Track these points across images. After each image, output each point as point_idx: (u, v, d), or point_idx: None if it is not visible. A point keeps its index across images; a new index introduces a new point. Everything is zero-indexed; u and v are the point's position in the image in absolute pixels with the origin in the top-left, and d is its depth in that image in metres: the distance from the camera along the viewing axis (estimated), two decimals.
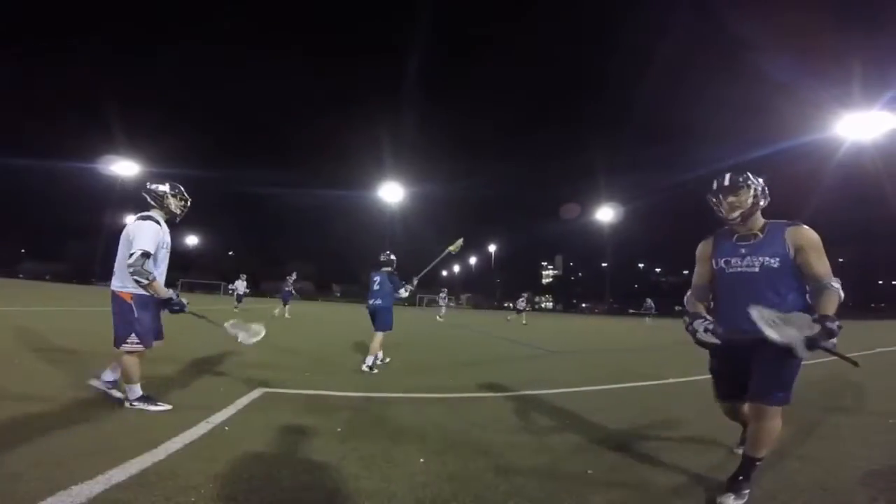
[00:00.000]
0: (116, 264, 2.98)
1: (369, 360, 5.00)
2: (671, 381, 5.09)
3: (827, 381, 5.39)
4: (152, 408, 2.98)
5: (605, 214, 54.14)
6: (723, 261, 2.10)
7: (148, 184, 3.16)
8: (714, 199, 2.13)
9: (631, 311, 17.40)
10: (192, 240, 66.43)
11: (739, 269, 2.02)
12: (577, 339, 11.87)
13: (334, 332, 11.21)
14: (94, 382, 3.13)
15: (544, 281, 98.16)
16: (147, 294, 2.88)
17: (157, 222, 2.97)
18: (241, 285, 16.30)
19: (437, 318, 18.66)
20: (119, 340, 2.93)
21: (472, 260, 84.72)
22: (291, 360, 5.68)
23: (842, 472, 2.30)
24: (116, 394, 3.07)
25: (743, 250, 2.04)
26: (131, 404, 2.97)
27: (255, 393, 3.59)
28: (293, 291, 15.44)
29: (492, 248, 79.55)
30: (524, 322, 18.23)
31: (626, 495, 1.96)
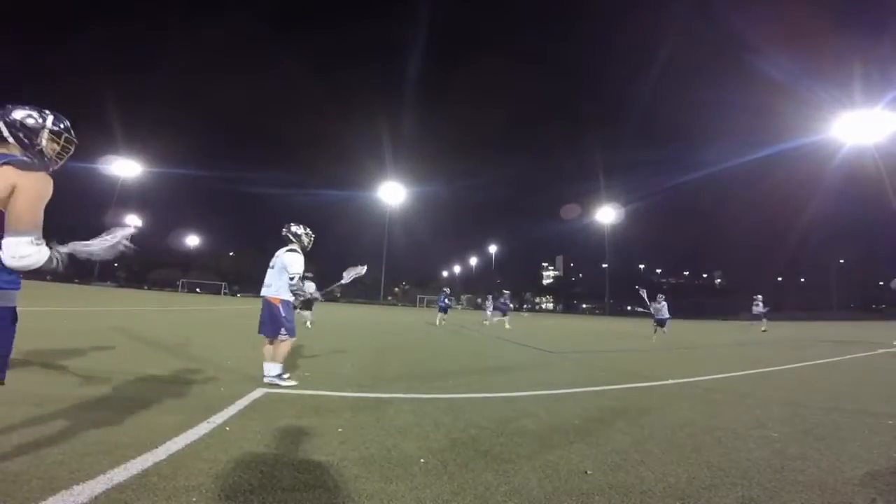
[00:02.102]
0: (269, 278, 4.13)
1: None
2: (671, 381, 5.09)
3: (826, 382, 5.40)
4: (284, 384, 3.96)
5: (606, 215, 54.18)
6: None
7: (288, 226, 4.28)
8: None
9: (639, 309, 15.15)
10: (192, 240, 66.50)
11: None
12: (577, 341, 11.87)
13: (334, 332, 11.21)
14: (266, 380, 3.98)
15: (545, 282, 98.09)
16: (289, 300, 4.10)
17: (299, 252, 4.19)
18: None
19: (484, 322, 18.11)
20: (273, 333, 4.03)
21: (473, 261, 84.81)
22: (291, 361, 5.68)
23: (842, 472, 2.30)
24: (284, 383, 3.98)
25: None
26: (269, 379, 3.95)
27: (256, 393, 3.59)
28: (508, 303, 17.33)
29: (492, 248, 79.59)
30: (486, 323, 18.16)
31: (625, 495, 1.96)
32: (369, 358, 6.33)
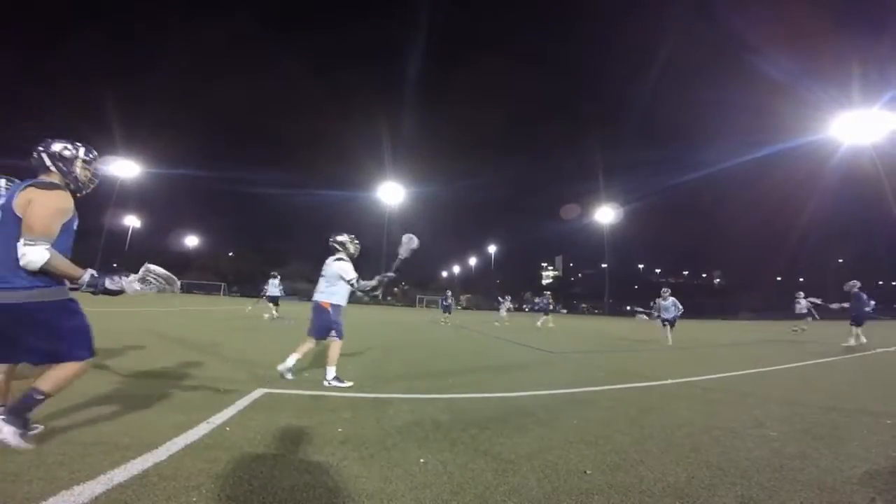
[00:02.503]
0: (320, 285, 4.42)
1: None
2: (670, 381, 5.10)
3: (825, 382, 5.41)
4: (341, 384, 4.10)
5: (605, 215, 54.22)
6: None
7: (334, 236, 4.54)
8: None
9: (639, 309, 13.78)
10: (191, 240, 66.42)
11: None
12: (576, 340, 11.87)
13: None
14: (325, 384, 4.11)
15: (544, 282, 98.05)
16: (339, 304, 4.37)
17: (347, 259, 4.46)
18: (274, 285, 14.77)
19: (495, 323, 18.13)
20: (324, 335, 4.32)
21: (472, 261, 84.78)
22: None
23: (840, 471, 2.31)
24: (343, 384, 4.12)
25: None
26: (329, 383, 4.11)
27: (256, 393, 3.60)
28: (549, 303, 18.08)
29: (492, 248, 79.61)
30: (507, 323, 18.27)
31: (625, 495, 1.97)
32: (369, 358, 6.33)
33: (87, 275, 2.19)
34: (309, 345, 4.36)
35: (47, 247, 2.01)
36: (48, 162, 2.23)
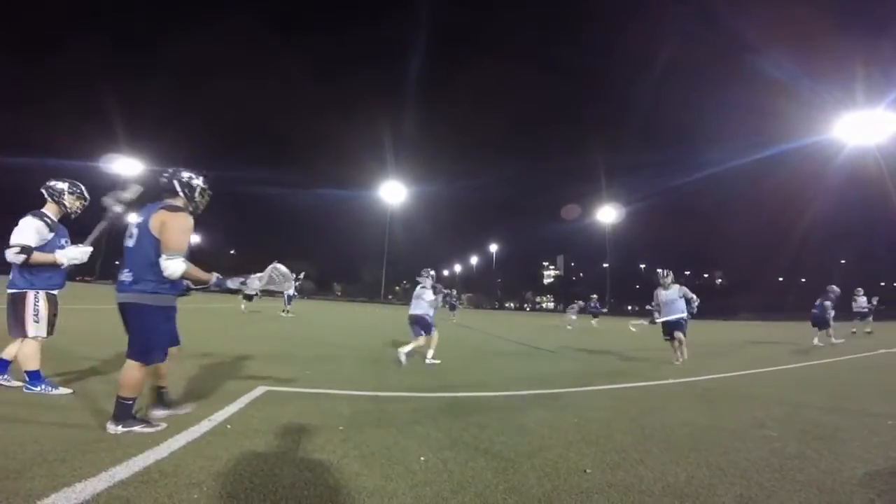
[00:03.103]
0: (413, 303, 6.10)
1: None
2: (671, 381, 5.10)
3: (827, 382, 5.40)
4: (434, 361, 5.82)
5: (607, 215, 54.17)
6: None
7: (428, 272, 6.29)
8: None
9: (648, 308, 12.40)
10: (193, 238, 66.51)
11: None
12: (577, 340, 11.86)
13: (335, 330, 11.24)
14: (427, 362, 5.79)
15: (545, 281, 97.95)
16: (416, 314, 5.98)
17: (428, 287, 6.12)
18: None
19: (568, 326, 17.06)
20: (419, 333, 5.90)
21: (474, 260, 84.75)
22: (293, 359, 5.70)
23: (840, 472, 2.31)
24: (435, 361, 5.83)
25: None
26: (429, 361, 5.79)
27: (257, 391, 3.61)
28: (598, 305, 19.12)
29: (493, 247, 79.55)
30: (569, 327, 16.88)
31: (624, 494, 1.97)
32: (370, 356, 6.34)
33: (215, 277, 2.61)
34: (419, 340, 5.90)
35: (183, 259, 2.41)
36: (177, 187, 2.64)
